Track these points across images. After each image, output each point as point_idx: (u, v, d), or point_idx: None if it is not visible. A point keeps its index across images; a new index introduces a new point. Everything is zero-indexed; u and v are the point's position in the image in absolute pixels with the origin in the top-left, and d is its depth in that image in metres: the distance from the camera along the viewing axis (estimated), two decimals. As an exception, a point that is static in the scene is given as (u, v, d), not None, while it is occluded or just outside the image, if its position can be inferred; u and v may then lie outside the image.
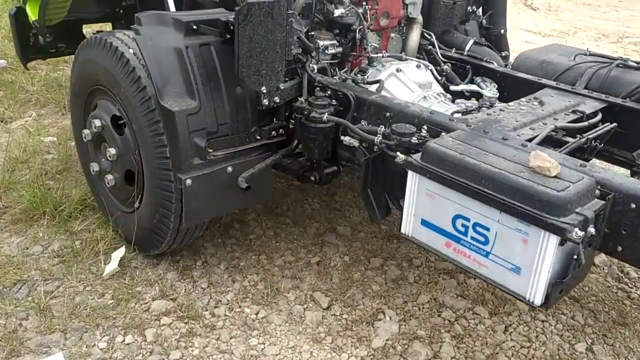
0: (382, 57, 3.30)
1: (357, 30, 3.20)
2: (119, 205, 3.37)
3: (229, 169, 2.90)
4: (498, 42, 3.96)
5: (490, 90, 3.15)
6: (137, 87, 2.82)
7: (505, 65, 3.67)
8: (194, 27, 2.76)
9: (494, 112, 2.73)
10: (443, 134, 2.32)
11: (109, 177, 3.24)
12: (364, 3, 3.19)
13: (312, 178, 3.08)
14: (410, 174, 2.27)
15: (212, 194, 2.89)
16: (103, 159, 3.31)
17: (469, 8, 3.83)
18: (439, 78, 3.40)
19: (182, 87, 2.74)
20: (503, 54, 3.83)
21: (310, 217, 3.97)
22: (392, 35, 3.44)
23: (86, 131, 3.30)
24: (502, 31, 3.95)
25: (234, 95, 2.87)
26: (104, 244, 3.45)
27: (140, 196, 3.14)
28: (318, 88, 2.93)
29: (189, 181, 2.76)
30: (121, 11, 4.33)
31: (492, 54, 3.71)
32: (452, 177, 2.09)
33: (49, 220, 3.67)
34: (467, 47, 3.76)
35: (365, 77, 3.14)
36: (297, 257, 3.53)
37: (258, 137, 2.99)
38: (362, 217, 4.02)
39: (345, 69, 3.34)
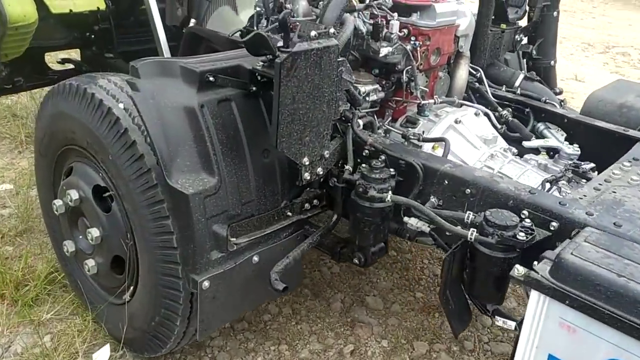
0: (435, 103, 2.67)
1: (404, 71, 2.55)
2: (103, 294, 2.64)
3: (255, 258, 2.22)
4: (547, 76, 3.39)
5: (568, 145, 2.56)
6: (131, 155, 2.11)
7: (561, 105, 3.10)
8: (210, 78, 2.06)
9: (601, 185, 2.13)
10: (578, 240, 1.69)
11: (90, 262, 2.51)
12: (412, 39, 2.55)
13: (356, 260, 2.42)
14: (535, 294, 1.64)
15: (234, 293, 2.21)
16: (81, 237, 2.57)
17: (516, 37, 3.24)
18: (499, 127, 2.79)
19: (197, 160, 2.04)
20: (557, 89, 3.25)
21: (332, 285, 3.31)
22: (440, 74, 2.81)
23: (58, 202, 2.55)
24: (552, 62, 3.38)
25: (260, 164, 2.20)
26: (81, 340, 2.71)
27: (132, 288, 2.42)
28: (367, 151, 2.29)
29: (206, 283, 2.07)
30: (92, 36, 3.57)
31: (548, 92, 3.13)
32: (614, 313, 1.48)
33: (9, 306, 2.90)
34: (517, 83, 3.16)
35: (420, 132, 2.49)
36: (325, 345, 2.87)
37: (289, 214, 2.32)
38: (392, 282, 3.39)
39: (389, 119, 2.69)
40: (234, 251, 2.13)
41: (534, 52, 3.32)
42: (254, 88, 2.13)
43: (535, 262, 1.73)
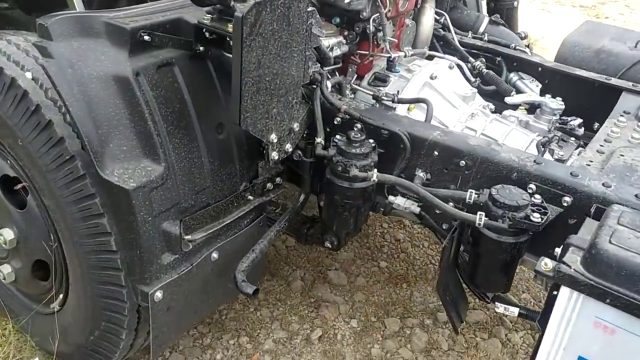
0: (405, 56, 2.32)
1: (371, 20, 2.18)
2: (26, 302, 2.20)
3: (214, 255, 1.86)
4: (509, 18, 3.12)
5: (551, 99, 2.30)
6: (47, 138, 1.67)
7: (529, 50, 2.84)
8: (145, 37, 1.61)
9: (603, 147, 1.90)
10: (609, 222, 1.43)
11: (5, 268, 2.06)
12: (379, -20, 2.17)
13: (328, 244, 2.11)
14: (565, 291, 1.39)
15: (191, 299, 1.85)
16: (-10, 238, 2.09)
17: (479, -25, 2.93)
18: (472, 80, 2.50)
19: (136, 143, 1.62)
20: (522, 33, 2.99)
21: (289, 262, 3.00)
22: (407, 21, 2.46)
23: (-45, 197, 2.05)
24: (516, 3, 3.11)
25: (215, 142, 1.80)
26: (3, 355, 2.27)
27: (62, 296, 2.01)
28: (340, 119, 1.93)
29: (158, 294, 1.69)
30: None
31: (515, 37, 2.86)
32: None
33: None
34: (482, 28, 2.88)
35: (394, 91, 2.16)
36: (289, 332, 2.58)
37: (250, 197, 1.96)
38: (353, 252, 3.11)
39: (354, 77, 2.33)
40: (189, 251, 1.76)
41: (497, -8, 3.03)
42: (200, 48, 1.70)
43: (557, 250, 1.48)
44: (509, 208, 1.57)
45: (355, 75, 2.34)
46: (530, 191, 1.67)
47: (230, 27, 1.58)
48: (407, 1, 2.32)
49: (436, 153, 1.82)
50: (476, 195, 1.65)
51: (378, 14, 2.19)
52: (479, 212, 1.57)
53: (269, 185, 2.01)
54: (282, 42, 1.56)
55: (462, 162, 1.78)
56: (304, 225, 2.20)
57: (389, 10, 2.23)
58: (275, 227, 1.96)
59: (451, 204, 1.72)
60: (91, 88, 1.56)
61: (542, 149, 2.00)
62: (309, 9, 1.63)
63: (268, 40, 1.50)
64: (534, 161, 1.72)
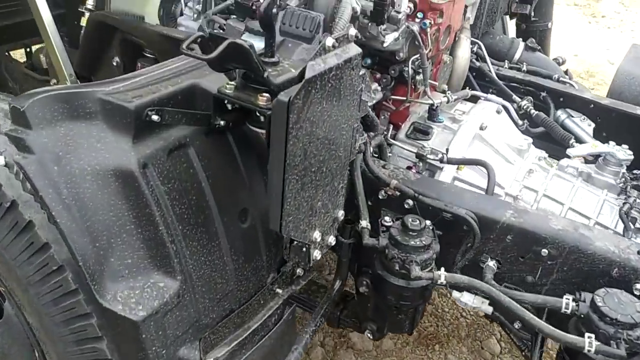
0: (448, 102, 1.98)
1: (410, 62, 1.84)
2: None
3: (239, 367, 1.51)
4: (542, 41, 2.80)
5: (618, 148, 1.98)
6: (27, 243, 1.30)
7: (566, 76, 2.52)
8: (154, 117, 1.24)
9: None
10: None
11: (-21, 383, 1.67)
12: (419, 16, 1.82)
13: (369, 334, 1.76)
14: None
15: None
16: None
17: (513, -3, 2.60)
18: (520, 123, 2.17)
19: (144, 253, 1.25)
20: (560, 59, 2.66)
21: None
22: (445, 58, 2.11)
23: None
24: (550, 25, 2.79)
25: (239, 234, 1.44)
26: None
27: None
28: (385, 193, 1.59)
29: None
30: None
31: (555, 66, 2.55)
32: None
33: None
34: (518, 55, 2.55)
35: (442, 147, 1.82)
36: (315, 416, 2.25)
37: (278, 290, 1.60)
38: (375, 306, 2.77)
39: (390, 127, 1.98)
40: (210, 373, 1.40)
41: (532, 13, 2.70)
42: (221, 122, 1.34)
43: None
44: (623, 326, 1.25)
45: (391, 126, 1.99)
46: (638, 293, 1.35)
47: (261, 100, 1.22)
48: (447, 37, 1.98)
49: (510, 238, 1.48)
50: (574, 304, 1.32)
51: (418, 55, 1.84)
52: (587, 335, 1.23)
53: (298, 271, 1.66)
54: (331, 122, 1.20)
55: (545, 251, 1.45)
56: (337, 307, 1.86)
57: (430, 50, 1.89)
58: (310, 326, 1.62)
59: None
60: (85, 188, 1.19)
61: (627, 219, 1.67)
62: (360, 74, 1.28)
63: (316, 124, 1.15)
64: (639, 252, 1.39)
